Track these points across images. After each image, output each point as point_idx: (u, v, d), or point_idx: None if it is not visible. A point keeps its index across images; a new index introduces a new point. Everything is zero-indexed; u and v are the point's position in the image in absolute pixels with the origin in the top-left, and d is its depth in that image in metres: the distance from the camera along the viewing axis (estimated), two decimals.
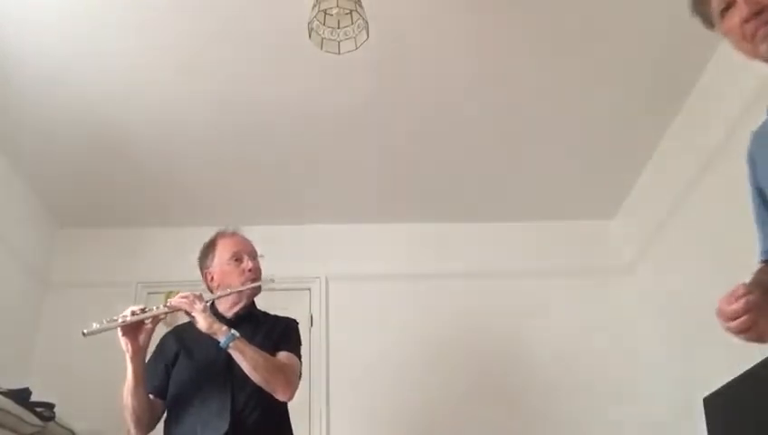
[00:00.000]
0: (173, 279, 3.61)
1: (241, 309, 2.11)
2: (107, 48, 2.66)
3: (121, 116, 3.03)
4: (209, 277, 2.16)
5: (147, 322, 1.89)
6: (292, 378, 1.98)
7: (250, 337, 1.95)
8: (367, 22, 2.17)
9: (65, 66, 2.73)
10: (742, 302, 1.17)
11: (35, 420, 2.62)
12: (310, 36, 2.19)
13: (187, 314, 1.91)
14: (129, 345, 1.87)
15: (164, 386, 2.03)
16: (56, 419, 2.79)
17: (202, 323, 1.88)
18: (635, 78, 2.90)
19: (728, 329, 1.23)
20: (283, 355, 2.01)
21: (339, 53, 2.26)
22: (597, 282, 3.77)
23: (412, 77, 2.87)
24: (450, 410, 3.42)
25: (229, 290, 2.07)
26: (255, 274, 2.13)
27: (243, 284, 2.09)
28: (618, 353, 3.57)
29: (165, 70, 2.79)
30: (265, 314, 2.20)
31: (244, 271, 2.11)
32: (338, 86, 2.89)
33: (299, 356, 2.08)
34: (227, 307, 2.10)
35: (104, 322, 1.83)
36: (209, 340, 1.93)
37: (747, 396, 2.39)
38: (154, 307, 1.90)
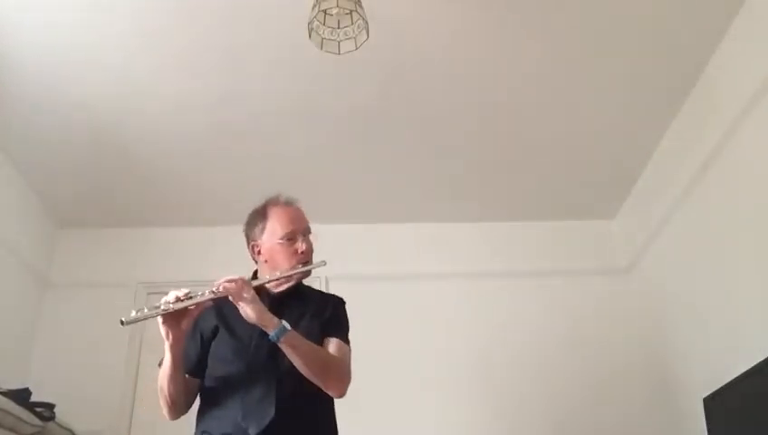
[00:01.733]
0: (173, 279, 3.61)
1: (290, 287, 1.94)
2: (107, 48, 2.66)
3: (122, 116, 3.03)
4: (256, 250, 1.96)
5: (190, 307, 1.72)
6: (345, 374, 1.84)
7: (297, 318, 1.82)
8: (367, 22, 2.17)
9: (65, 66, 2.73)
10: None
11: (35, 421, 2.62)
12: (310, 36, 2.19)
13: (235, 302, 1.73)
14: (171, 333, 1.70)
15: (200, 364, 1.86)
16: (56, 419, 2.79)
17: (251, 314, 1.70)
18: (635, 78, 2.90)
19: None
20: (333, 344, 1.85)
21: (339, 53, 2.26)
22: (597, 282, 3.77)
23: (412, 77, 2.87)
24: (452, 408, 3.42)
25: (278, 274, 1.88)
26: (308, 256, 1.95)
27: (293, 267, 1.90)
28: (617, 353, 3.57)
29: (165, 70, 2.79)
30: (311, 289, 2.05)
31: (296, 252, 1.92)
32: (338, 86, 2.89)
33: (348, 343, 1.94)
34: (274, 284, 1.92)
35: (145, 309, 1.67)
36: None
37: (747, 396, 2.39)
38: (199, 293, 1.71)
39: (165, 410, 1.82)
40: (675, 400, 3.24)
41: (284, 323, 1.70)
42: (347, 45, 2.24)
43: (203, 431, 1.79)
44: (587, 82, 2.95)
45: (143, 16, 2.52)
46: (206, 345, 1.86)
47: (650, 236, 3.49)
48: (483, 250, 3.85)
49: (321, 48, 2.25)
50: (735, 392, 2.46)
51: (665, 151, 3.31)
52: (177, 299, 1.68)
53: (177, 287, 1.71)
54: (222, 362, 1.83)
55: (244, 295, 1.71)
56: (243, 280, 1.74)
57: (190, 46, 2.67)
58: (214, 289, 1.71)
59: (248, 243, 2.00)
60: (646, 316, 3.57)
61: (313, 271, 1.95)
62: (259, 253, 1.96)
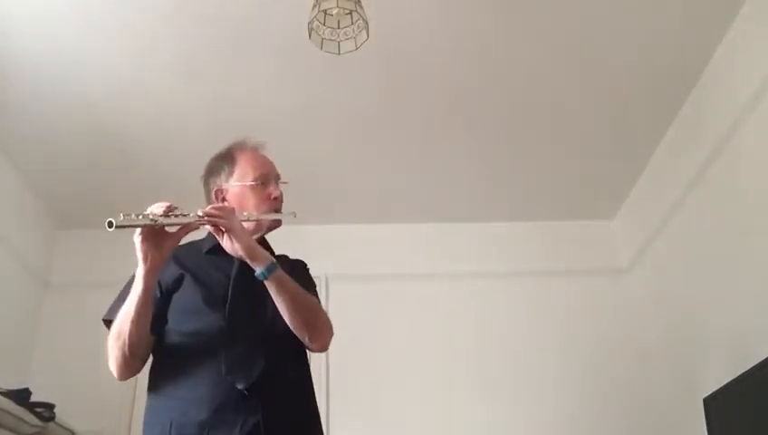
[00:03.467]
0: None
1: (257, 240, 1.66)
2: (107, 49, 2.66)
3: (121, 117, 3.03)
4: (220, 196, 1.74)
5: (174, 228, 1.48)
6: (329, 325, 1.65)
7: None
8: (367, 22, 2.17)
9: (65, 66, 2.73)
10: None
11: (35, 421, 2.62)
12: (310, 36, 2.19)
13: (221, 230, 1.49)
14: (149, 254, 1.45)
15: (158, 319, 1.58)
16: (56, 419, 2.78)
17: (240, 244, 1.47)
18: (635, 78, 2.90)
19: None
20: (313, 298, 1.66)
21: (339, 54, 2.26)
22: (597, 282, 3.77)
23: (413, 77, 2.87)
24: (452, 408, 3.42)
25: (256, 215, 1.67)
26: (279, 204, 1.76)
27: (265, 212, 1.70)
28: (617, 353, 3.56)
29: (165, 71, 2.79)
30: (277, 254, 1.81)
31: (269, 197, 1.73)
32: (339, 86, 2.89)
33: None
34: None
35: (132, 215, 1.41)
36: (219, 263, 1.61)
37: (747, 396, 2.39)
38: (188, 213, 1.48)
39: (116, 365, 1.56)
40: (675, 400, 3.24)
41: (273, 259, 1.51)
42: (347, 45, 2.24)
43: (165, 401, 1.52)
44: (586, 82, 2.95)
45: (143, 17, 2.52)
46: (165, 297, 1.60)
47: (650, 236, 3.49)
48: (482, 250, 3.85)
49: (321, 48, 2.25)
50: (735, 392, 2.46)
51: (665, 151, 3.31)
52: (165, 213, 1.44)
53: (159, 203, 1.48)
54: (190, 313, 1.57)
55: (234, 225, 1.50)
56: (228, 208, 1.55)
57: (190, 47, 2.67)
58: (200, 213, 1.49)
59: (208, 190, 1.78)
60: (646, 316, 3.57)
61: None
62: (224, 199, 1.73)
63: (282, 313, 1.52)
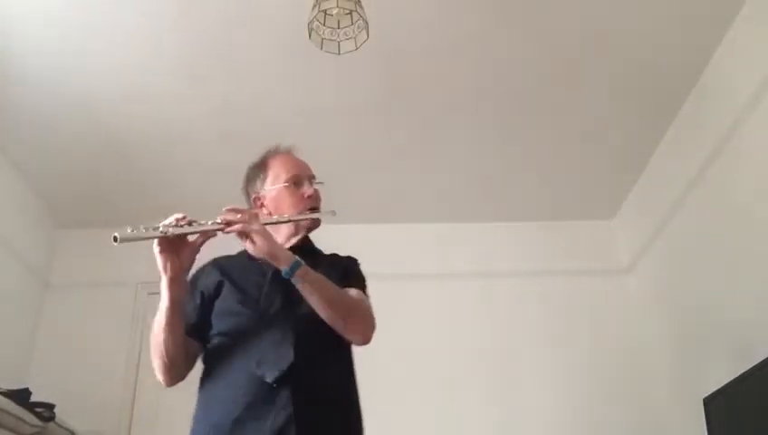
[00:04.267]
0: None
1: (298, 241, 1.74)
2: (107, 49, 2.66)
3: (123, 118, 3.03)
4: (259, 203, 1.77)
5: (192, 237, 1.49)
6: (369, 316, 1.64)
7: None
8: (367, 22, 2.17)
9: (67, 68, 2.73)
10: None
11: (35, 421, 2.62)
12: (310, 36, 2.19)
13: (241, 234, 1.50)
14: (169, 265, 1.46)
15: (201, 325, 1.62)
16: (56, 419, 2.79)
17: (261, 246, 1.48)
18: (635, 79, 2.90)
19: None
20: (353, 292, 1.66)
21: (339, 54, 2.26)
22: (597, 282, 3.77)
23: (413, 78, 2.87)
24: (452, 408, 3.41)
25: (287, 216, 1.70)
26: (316, 202, 1.78)
27: (301, 212, 1.72)
28: (618, 353, 3.57)
29: (165, 71, 2.79)
30: (320, 250, 1.85)
31: (303, 197, 1.75)
32: (339, 87, 2.89)
33: (368, 297, 1.74)
34: (283, 239, 1.73)
35: (141, 228, 1.41)
36: (259, 267, 1.60)
37: (747, 396, 2.39)
38: (202, 221, 1.49)
39: (159, 373, 1.57)
40: (675, 400, 3.24)
41: (297, 257, 1.51)
42: (347, 45, 2.24)
43: (206, 402, 1.56)
44: (587, 81, 2.95)
45: (144, 20, 2.52)
46: (207, 304, 1.64)
47: (650, 236, 3.49)
48: (482, 250, 3.85)
49: (322, 48, 2.25)
50: (735, 392, 2.46)
51: (664, 151, 3.31)
52: (177, 223, 1.46)
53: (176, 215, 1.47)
54: (227, 315, 1.61)
55: (253, 226, 1.49)
56: (250, 211, 1.56)
57: (191, 49, 2.68)
58: (218, 220, 1.50)
59: (248, 199, 1.82)
60: (645, 316, 3.57)
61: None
62: (262, 205, 1.76)
63: (315, 309, 1.52)
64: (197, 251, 1.51)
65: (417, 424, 3.35)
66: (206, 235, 1.50)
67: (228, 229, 1.50)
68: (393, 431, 3.34)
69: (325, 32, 2.20)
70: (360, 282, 1.75)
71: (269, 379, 1.47)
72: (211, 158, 3.31)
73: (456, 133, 3.23)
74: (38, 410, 2.66)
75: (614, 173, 3.56)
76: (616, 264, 3.82)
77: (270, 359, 1.49)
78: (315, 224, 1.79)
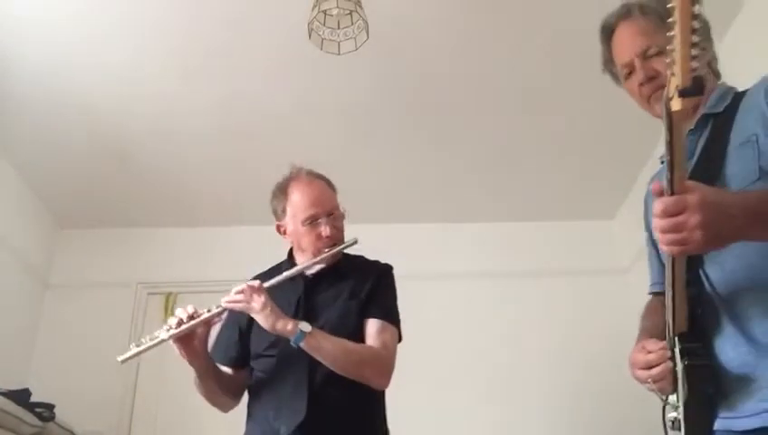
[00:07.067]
0: (173, 279, 3.62)
1: (322, 268, 1.82)
2: (107, 49, 2.66)
3: (122, 117, 3.03)
4: (282, 229, 1.85)
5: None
6: (382, 364, 1.73)
7: (332, 300, 1.74)
8: (367, 22, 2.17)
9: (66, 68, 2.74)
10: (660, 352, 1.29)
11: (35, 421, 2.63)
12: (310, 37, 2.20)
13: (246, 312, 1.65)
14: (184, 351, 1.63)
15: (242, 354, 1.78)
16: (56, 419, 2.79)
17: (264, 324, 1.61)
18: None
19: (646, 378, 1.35)
20: (373, 326, 1.74)
21: (339, 54, 2.27)
22: (597, 282, 3.77)
23: (412, 78, 2.87)
24: (451, 408, 3.41)
25: (298, 267, 1.77)
26: (334, 239, 1.80)
27: (318, 251, 1.77)
28: (618, 354, 3.56)
29: (165, 71, 2.79)
30: (353, 259, 1.90)
31: (320, 237, 1.77)
32: (338, 87, 2.89)
33: (393, 320, 1.83)
34: (309, 257, 1.80)
35: (143, 341, 1.61)
36: (293, 287, 1.74)
37: None
38: (205, 310, 1.62)
39: (211, 404, 1.80)
40: None
41: (302, 326, 1.59)
42: (347, 46, 2.25)
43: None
44: (586, 81, 2.94)
45: (143, 18, 2.53)
46: (244, 338, 1.77)
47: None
48: (482, 250, 3.84)
49: (322, 48, 2.25)
50: None
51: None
52: (179, 323, 1.59)
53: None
54: (258, 355, 1.75)
55: (254, 306, 1.61)
56: (252, 288, 1.63)
57: (191, 48, 2.68)
58: (222, 304, 1.64)
59: (274, 213, 1.89)
60: None
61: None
62: (284, 232, 1.85)
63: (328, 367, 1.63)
64: (206, 336, 1.66)
65: (417, 424, 3.35)
66: (210, 323, 1.65)
67: (231, 307, 1.65)
68: (393, 431, 3.35)
69: (325, 32, 2.21)
70: (381, 308, 1.81)
71: (283, 433, 1.60)
72: (210, 156, 3.30)
73: (455, 133, 3.22)
74: (38, 410, 2.67)
75: (614, 173, 3.55)
76: (616, 264, 3.82)
77: (285, 410, 1.62)
78: (336, 257, 1.83)
